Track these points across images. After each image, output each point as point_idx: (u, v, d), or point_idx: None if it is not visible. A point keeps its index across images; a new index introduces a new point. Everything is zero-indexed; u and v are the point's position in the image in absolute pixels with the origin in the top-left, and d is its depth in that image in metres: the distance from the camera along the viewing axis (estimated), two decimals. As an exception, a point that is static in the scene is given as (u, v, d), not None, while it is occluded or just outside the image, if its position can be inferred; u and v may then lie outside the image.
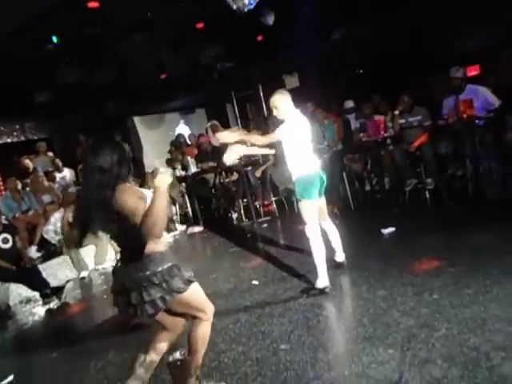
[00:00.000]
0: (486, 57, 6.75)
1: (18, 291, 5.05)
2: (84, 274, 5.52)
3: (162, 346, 2.09)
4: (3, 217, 5.50)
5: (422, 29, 6.83)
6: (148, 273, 1.85)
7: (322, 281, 3.16)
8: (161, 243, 1.95)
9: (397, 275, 3.21)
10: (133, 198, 1.82)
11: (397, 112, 5.49)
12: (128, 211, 1.79)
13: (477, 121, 4.72)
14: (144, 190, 1.95)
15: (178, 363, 2.03)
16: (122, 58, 6.68)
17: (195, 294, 2.02)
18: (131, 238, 1.85)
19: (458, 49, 6.81)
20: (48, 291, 4.68)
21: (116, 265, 2.01)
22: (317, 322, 2.77)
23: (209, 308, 2.08)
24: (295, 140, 3.26)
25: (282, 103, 3.29)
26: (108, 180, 1.82)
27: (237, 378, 2.31)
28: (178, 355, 2.06)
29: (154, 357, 2.06)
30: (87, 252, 5.81)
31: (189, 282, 1.97)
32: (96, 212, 1.83)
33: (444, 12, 6.39)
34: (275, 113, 3.34)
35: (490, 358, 2.00)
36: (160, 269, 1.88)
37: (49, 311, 4.55)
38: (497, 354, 2.01)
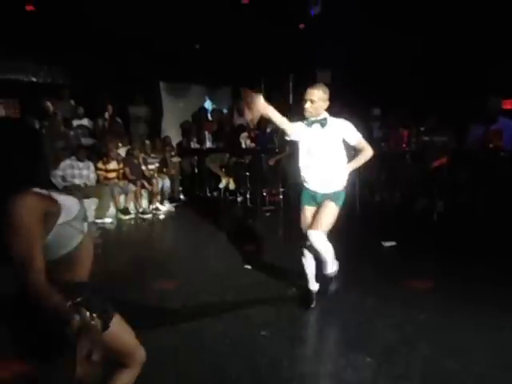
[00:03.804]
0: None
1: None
2: (83, 224, 5.57)
3: None
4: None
5: (461, 50, 6.66)
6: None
7: (335, 265, 2.97)
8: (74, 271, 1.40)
9: (389, 288, 3.19)
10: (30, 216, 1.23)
11: (423, 129, 5.42)
12: (14, 231, 1.21)
13: (502, 153, 4.64)
14: (60, 200, 1.35)
15: None
16: (158, 18, 6.61)
17: (115, 335, 1.48)
18: None
19: (494, 79, 6.65)
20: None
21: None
22: (300, 317, 2.78)
23: (137, 353, 1.57)
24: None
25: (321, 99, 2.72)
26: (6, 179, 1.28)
27: (213, 354, 2.33)
28: None
29: None
30: (89, 204, 5.85)
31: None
32: None
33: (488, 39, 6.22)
34: (308, 107, 2.73)
35: (465, 387, 1.99)
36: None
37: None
38: (473, 384, 2.01)
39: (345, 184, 2.93)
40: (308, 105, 2.74)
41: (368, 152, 2.88)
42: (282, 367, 2.19)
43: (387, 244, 4.32)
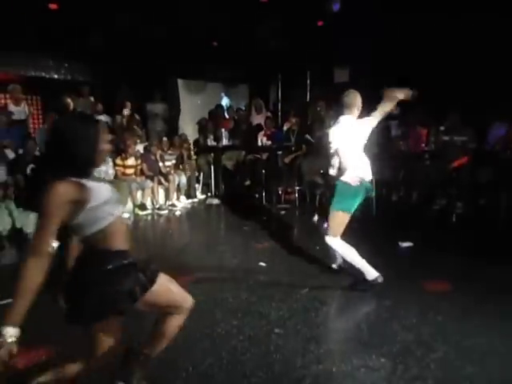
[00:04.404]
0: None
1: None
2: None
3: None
4: (37, 148, 5.67)
5: (484, 44, 6.46)
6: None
7: (371, 274, 3.11)
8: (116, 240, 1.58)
9: (405, 289, 3.15)
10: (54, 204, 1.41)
11: (442, 128, 5.31)
12: (40, 214, 1.43)
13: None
14: (94, 188, 1.52)
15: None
16: (176, 16, 6.66)
17: (161, 294, 1.67)
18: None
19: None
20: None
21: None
22: (315, 315, 2.77)
23: (184, 304, 1.75)
24: (354, 141, 3.13)
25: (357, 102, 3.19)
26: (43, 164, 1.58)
27: (227, 350, 2.34)
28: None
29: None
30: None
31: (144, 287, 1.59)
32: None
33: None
34: (349, 111, 3.16)
35: (482, 391, 1.95)
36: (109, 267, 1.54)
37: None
38: (491, 389, 1.97)
39: (346, 178, 3.05)
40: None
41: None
42: (296, 366, 2.18)
43: (404, 244, 4.25)
